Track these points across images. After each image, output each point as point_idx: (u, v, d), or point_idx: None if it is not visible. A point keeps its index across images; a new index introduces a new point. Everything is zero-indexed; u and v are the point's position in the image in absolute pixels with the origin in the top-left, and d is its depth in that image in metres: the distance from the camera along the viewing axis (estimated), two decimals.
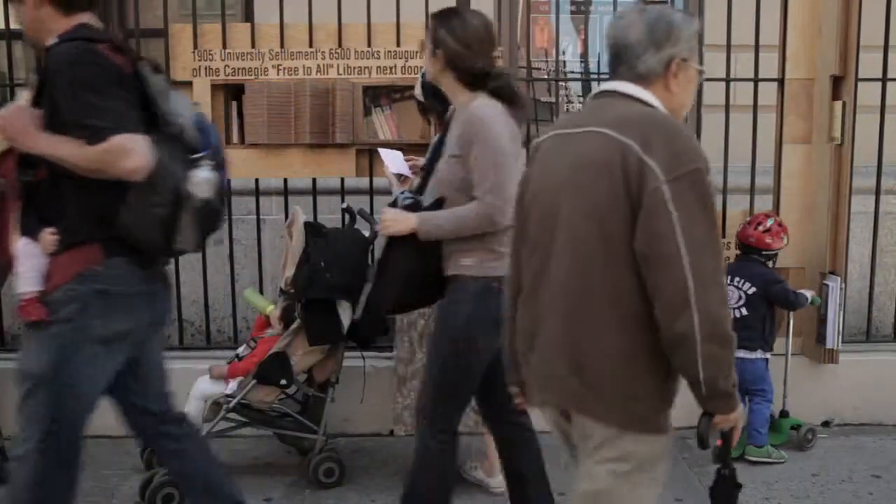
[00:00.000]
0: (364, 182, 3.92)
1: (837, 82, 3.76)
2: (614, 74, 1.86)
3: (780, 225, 3.60)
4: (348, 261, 3.22)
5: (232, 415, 3.23)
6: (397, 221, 2.50)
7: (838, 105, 3.74)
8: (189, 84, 3.73)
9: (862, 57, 3.70)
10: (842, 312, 3.75)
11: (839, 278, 3.72)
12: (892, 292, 4.33)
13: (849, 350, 3.94)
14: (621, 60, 1.85)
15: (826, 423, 3.95)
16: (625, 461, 1.79)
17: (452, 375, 2.49)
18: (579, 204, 1.74)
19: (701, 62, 4.43)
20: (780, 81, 3.91)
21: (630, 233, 1.67)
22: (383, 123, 3.77)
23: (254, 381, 3.17)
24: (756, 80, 3.95)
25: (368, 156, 3.79)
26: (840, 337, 3.76)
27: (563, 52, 5.06)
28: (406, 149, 3.66)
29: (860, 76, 3.72)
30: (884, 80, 3.96)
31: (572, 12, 5.03)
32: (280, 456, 3.64)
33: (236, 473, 3.42)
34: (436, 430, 2.55)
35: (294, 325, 3.20)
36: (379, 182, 3.94)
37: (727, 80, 3.95)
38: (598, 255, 1.72)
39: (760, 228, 3.58)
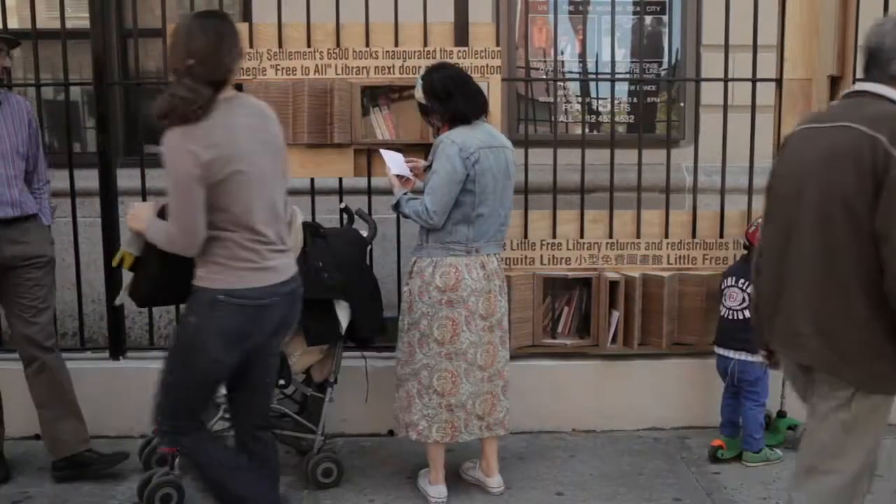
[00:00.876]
0: (362, 182, 3.92)
1: (835, 83, 3.77)
2: (867, 76, 2.13)
3: None
4: (346, 261, 3.22)
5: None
6: (133, 217, 2.53)
7: None
8: None
9: (859, 57, 3.69)
10: None
11: None
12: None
13: None
14: (875, 63, 2.13)
15: None
16: (857, 415, 2.07)
17: (177, 377, 2.48)
18: (829, 188, 2.04)
19: (699, 63, 4.46)
20: (778, 82, 3.91)
21: (873, 213, 1.97)
22: (381, 123, 3.77)
23: None
24: (754, 81, 3.95)
25: (366, 156, 3.79)
26: None
27: (562, 52, 5.06)
28: (404, 149, 3.66)
29: (858, 76, 3.71)
30: None
31: (571, 12, 5.04)
32: (279, 456, 3.63)
33: None
34: (174, 432, 2.52)
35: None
36: (377, 182, 3.94)
37: (725, 81, 3.95)
38: (843, 232, 2.01)
39: None
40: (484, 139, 3.07)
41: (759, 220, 3.60)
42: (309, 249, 3.18)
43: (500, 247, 3.22)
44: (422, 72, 3.19)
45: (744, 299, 3.50)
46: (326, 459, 3.30)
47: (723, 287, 3.61)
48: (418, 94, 3.15)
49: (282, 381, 3.17)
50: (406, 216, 3.12)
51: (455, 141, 3.01)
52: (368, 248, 3.42)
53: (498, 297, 3.17)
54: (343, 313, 3.21)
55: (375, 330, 3.33)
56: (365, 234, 3.38)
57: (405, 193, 3.14)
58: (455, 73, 3.16)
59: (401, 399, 3.20)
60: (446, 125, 3.12)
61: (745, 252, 3.66)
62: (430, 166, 3.08)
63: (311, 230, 3.25)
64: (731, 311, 3.54)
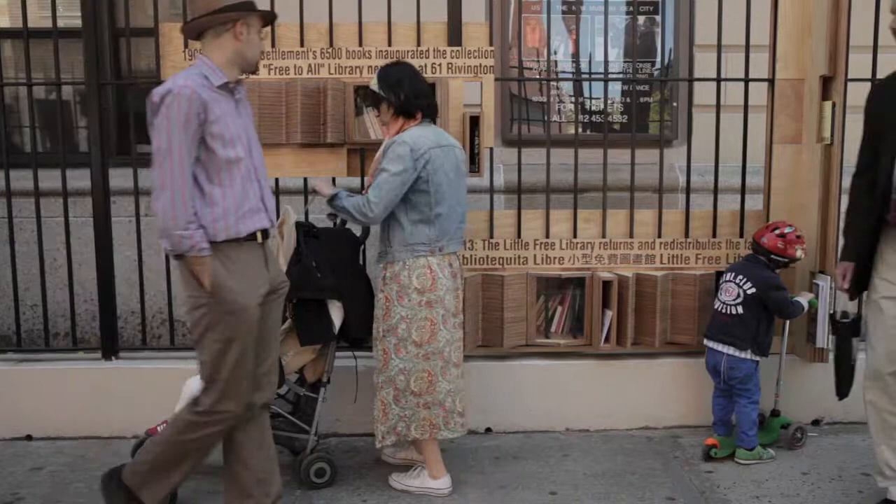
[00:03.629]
0: (356, 181, 3.91)
1: (827, 83, 3.78)
2: None
3: (797, 236, 3.58)
4: (339, 260, 3.22)
5: None
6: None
7: (828, 105, 3.75)
8: None
9: (851, 57, 3.72)
10: (831, 312, 3.77)
11: (829, 278, 3.73)
12: None
13: None
14: None
15: (816, 422, 3.97)
16: None
17: None
18: None
19: (691, 63, 4.48)
20: (771, 82, 3.92)
21: None
22: (374, 123, 3.76)
23: None
24: (746, 81, 3.96)
25: (360, 155, 3.79)
26: (830, 336, 3.78)
27: (555, 52, 5.06)
28: None
29: (850, 77, 3.74)
30: (873, 80, 3.97)
31: (564, 12, 5.04)
32: None
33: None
34: None
35: (285, 325, 3.20)
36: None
37: (718, 81, 3.96)
38: None
39: (776, 233, 3.57)
40: (434, 138, 3.11)
41: (766, 224, 3.62)
42: (302, 249, 3.18)
43: (461, 245, 3.27)
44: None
45: (738, 295, 3.51)
46: (320, 459, 3.30)
47: (720, 282, 3.64)
48: (373, 82, 3.17)
49: None
50: (341, 209, 3.11)
51: (406, 141, 3.04)
52: (362, 247, 3.41)
53: (462, 295, 3.25)
54: (336, 313, 3.21)
55: (368, 330, 3.34)
56: (358, 234, 3.38)
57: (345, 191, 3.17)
58: (409, 69, 3.21)
59: (377, 408, 3.22)
60: (395, 121, 3.14)
61: (752, 252, 3.66)
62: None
63: (305, 230, 3.26)
64: (725, 306, 3.55)
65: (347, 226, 3.47)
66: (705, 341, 3.63)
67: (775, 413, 3.72)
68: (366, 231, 3.39)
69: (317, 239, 3.25)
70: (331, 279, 3.17)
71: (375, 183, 3.04)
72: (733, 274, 3.58)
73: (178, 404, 3.24)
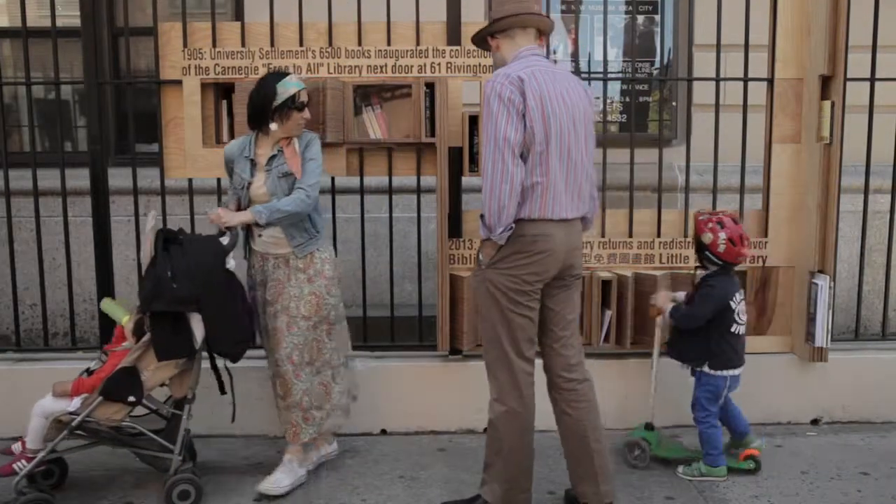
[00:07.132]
0: (355, 181, 3.91)
1: (826, 82, 3.79)
2: None
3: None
4: (199, 271, 2.96)
5: (81, 433, 2.99)
6: None
7: (827, 105, 3.76)
8: (178, 83, 3.72)
9: (850, 57, 3.72)
10: (830, 311, 3.77)
11: (828, 277, 3.74)
12: (881, 291, 4.36)
13: (837, 348, 3.96)
14: None
15: (815, 421, 3.98)
16: None
17: None
18: None
19: (691, 62, 4.48)
20: (770, 81, 3.93)
21: None
22: (373, 122, 3.77)
23: (100, 398, 2.92)
24: (746, 80, 3.96)
25: (359, 155, 3.79)
26: (829, 335, 3.78)
27: (554, 52, 5.06)
28: (395, 147, 3.67)
29: (849, 76, 3.74)
30: (872, 80, 3.99)
31: (563, 12, 5.04)
32: (272, 456, 3.63)
33: (226, 472, 3.42)
34: None
35: (145, 338, 2.97)
36: (370, 181, 3.94)
37: (717, 80, 3.96)
38: None
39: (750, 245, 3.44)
40: None
41: (735, 240, 3.28)
42: (159, 258, 2.95)
43: None
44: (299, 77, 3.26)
45: (739, 313, 3.37)
46: (183, 482, 3.05)
47: (734, 306, 3.34)
48: (305, 96, 3.22)
49: (132, 398, 2.94)
50: (286, 215, 3.10)
51: (317, 137, 3.29)
52: (227, 256, 3.10)
53: None
54: (197, 326, 2.99)
55: (234, 343, 3.11)
56: (225, 241, 3.10)
57: (261, 205, 3.14)
58: None
59: (316, 394, 3.32)
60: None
61: (721, 265, 3.37)
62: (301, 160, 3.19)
63: (166, 237, 3.02)
64: (742, 327, 3.38)
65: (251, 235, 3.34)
66: (734, 371, 3.36)
67: (649, 427, 3.58)
68: (234, 239, 3.14)
69: (179, 247, 2.99)
70: (187, 290, 2.91)
71: (311, 173, 3.17)
72: (739, 295, 3.36)
73: (30, 422, 3.02)
